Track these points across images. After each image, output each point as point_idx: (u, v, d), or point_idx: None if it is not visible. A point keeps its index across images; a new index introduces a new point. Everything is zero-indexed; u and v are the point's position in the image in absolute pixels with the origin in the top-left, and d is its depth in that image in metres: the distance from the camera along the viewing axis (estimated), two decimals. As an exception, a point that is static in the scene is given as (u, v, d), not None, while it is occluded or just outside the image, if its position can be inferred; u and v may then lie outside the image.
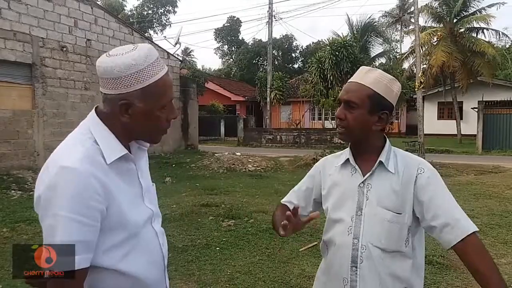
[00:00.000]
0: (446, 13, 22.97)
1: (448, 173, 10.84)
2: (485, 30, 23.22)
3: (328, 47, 22.59)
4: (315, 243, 5.07)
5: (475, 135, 19.09)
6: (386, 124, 1.49)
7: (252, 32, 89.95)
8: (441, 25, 23.36)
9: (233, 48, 44.11)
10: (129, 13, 36.43)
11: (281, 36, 41.25)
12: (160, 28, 37.62)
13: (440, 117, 28.38)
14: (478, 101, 18.93)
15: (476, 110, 18.97)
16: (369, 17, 25.96)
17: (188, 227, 5.70)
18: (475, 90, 22.85)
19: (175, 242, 5.00)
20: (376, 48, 27.02)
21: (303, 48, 42.94)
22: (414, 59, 20.33)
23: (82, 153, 1.12)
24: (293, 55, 43.35)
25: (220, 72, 44.63)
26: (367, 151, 1.50)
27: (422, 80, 15.46)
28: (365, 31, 25.10)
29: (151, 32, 36.96)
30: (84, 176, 1.08)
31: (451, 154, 17.02)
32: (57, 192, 1.06)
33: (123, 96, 1.15)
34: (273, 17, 26.95)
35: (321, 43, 32.65)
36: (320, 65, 22.13)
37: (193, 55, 44.25)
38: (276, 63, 37.75)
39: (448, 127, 25.80)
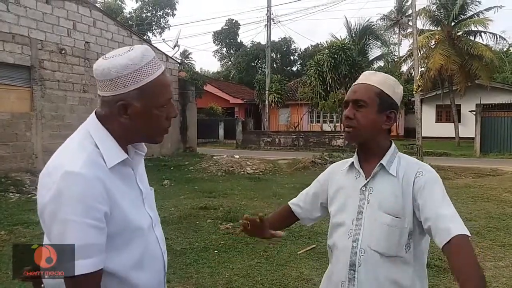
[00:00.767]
0: (444, 16, 23.07)
1: (446, 176, 10.86)
2: (482, 34, 23.34)
3: (326, 50, 22.64)
4: (313, 246, 5.07)
5: (473, 138, 19.14)
6: (394, 123, 1.51)
7: (250, 35, 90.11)
8: (439, 28, 23.44)
9: (232, 51, 44.18)
10: (128, 15, 36.47)
11: (280, 39, 41.35)
12: (159, 30, 37.70)
13: (438, 120, 28.43)
14: (476, 104, 18.99)
15: (474, 113, 19.03)
16: (367, 20, 26.10)
17: (186, 230, 5.69)
18: (473, 93, 22.91)
19: (173, 245, 5.00)
20: (374, 51, 27.15)
21: (302, 51, 43.02)
22: (412, 62, 20.44)
23: (85, 157, 1.12)
24: (292, 58, 43.41)
25: (218, 75, 44.66)
26: (373, 154, 1.50)
27: (420, 83, 15.52)
28: (363, 34, 25.18)
29: (150, 34, 37.03)
30: (89, 180, 1.08)
31: (449, 157, 17.04)
32: (64, 197, 1.06)
33: (121, 96, 1.16)
34: (271, 20, 27.00)
35: (319, 46, 32.75)
36: (319, 68, 22.18)
37: (191, 58, 44.26)
38: (274, 65, 37.78)
39: (446, 130, 25.85)
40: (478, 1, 23.15)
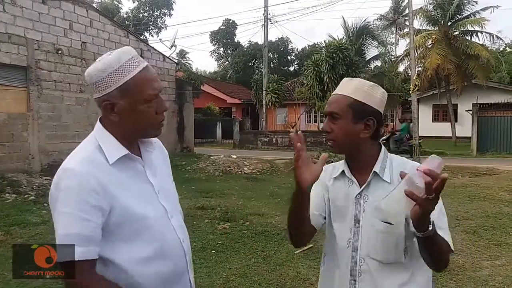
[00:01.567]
0: (440, 16, 23.11)
1: (443, 175, 10.87)
2: (479, 33, 23.39)
3: (323, 50, 22.66)
4: (311, 245, 5.07)
5: (469, 137, 19.19)
6: (375, 131, 1.46)
7: (248, 35, 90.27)
8: (436, 28, 23.49)
9: (229, 51, 44.16)
10: (125, 15, 36.38)
11: (277, 39, 41.35)
12: (156, 30, 37.63)
13: (435, 119, 28.49)
14: (473, 104, 19.04)
15: (471, 112, 19.08)
16: (364, 20, 26.09)
17: (183, 230, 5.69)
18: (470, 93, 22.97)
19: (171, 245, 4.99)
20: (371, 51, 27.15)
21: (299, 51, 43.06)
22: (409, 62, 20.45)
23: (83, 156, 1.25)
24: (289, 58, 43.41)
25: (215, 75, 44.63)
26: (362, 161, 1.48)
27: (417, 83, 15.56)
28: (361, 34, 25.20)
29: (147, 34, 36.96)
30: (81, 175, 1.19)
31: (446, 156, 17.06)
32: (60, 191, 1.18)
33: (105, 97, 1.27)
34: (268, 20, 26.99)
35: (316, 46, 32.75)
36: (316, 68, 22.17)
37: (188, 58, 44.27)
38: (272, 65, 37.79)
39: (443, 129, 25.90)
40: (474, 1, 23.21)
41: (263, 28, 26.87)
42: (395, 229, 1.38)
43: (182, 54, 41.10)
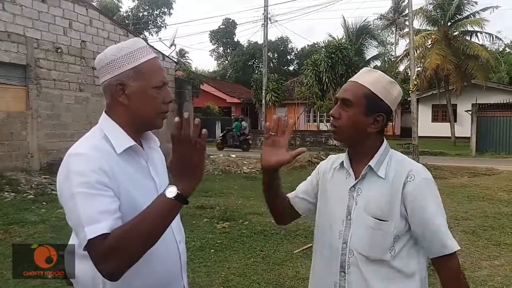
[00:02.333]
0: (440, 16, 23.14)
1: (442, 176, 10.89)
2: (478, 34, 23.46)
3: (323, 50, 22.68)
4: (310, 245, 5.07)
5: (469, 138, 19.22)
6: (382, 127, 1.44)
7: (247, 34, 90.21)
8: (436, 28, 23.52)
9: (229, 50, 44.13)
10: (125, 14, 36.38)
11: (277, 39, 41.38)
12: (156, 29, 37.66)
13: (434, 119, 28.52)
14: (472, 104, 19.07)
15: (470, 112, 19.10)
16: (364, 20, 26.16)
17: (182, 229, 5.68)
18: (469, 93, 23.00)
19: (170, 244, 4.99)
20: (371, 51, 27.24)
21: (298, 50, 43.08)
22: (408, 62, 20.46)
23: (90, 144, 1.24)
24: (289, 57, 43.42)
25: (215, 74, 44.61)
26: (363, 154, 1.45)
27: (416, 83, 15.56)
28: (360, 34, 25.24)
29: (147, 33, 36.94)
30: (90, 157, 1.18)
31: (445, 157, 17.11)
32: (69, 175, 1.15)
33: (117, 77, 1.27)
34: (268, 20, 26.99)
35: (316, 45, 32.77)
36: (316, 68, 22.19)
37: (188, 57, 44.24)
38: (271, 65, 37.79)
39: (442, 129, 25.93)
40: (474, 1, 23.27)
41: (263, 27, 26.89)
42: (386, 226, 1.36)
43: (182, 53, 41.11)
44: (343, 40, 24.02)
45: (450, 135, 23.51)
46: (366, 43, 25.89)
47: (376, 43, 27.92)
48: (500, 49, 34.53)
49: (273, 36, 52.10)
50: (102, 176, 1.15)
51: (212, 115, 29.44)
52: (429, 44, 23.03)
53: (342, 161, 1.51)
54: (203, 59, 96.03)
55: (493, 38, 24.52)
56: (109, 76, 1.27)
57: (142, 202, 1.23)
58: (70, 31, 11.75)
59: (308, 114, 29.69)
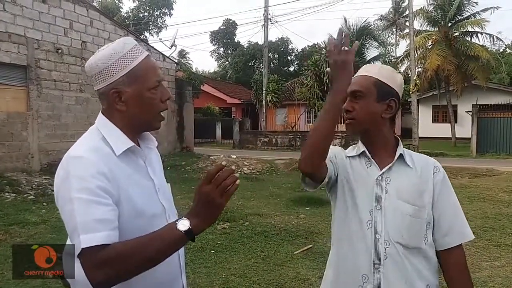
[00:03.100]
0: (440, 17, 23.12)
1: (443, 176, 10.87)
2: (479, 34, 23.41)
3: (323, 50, 22.66)
4: (310, 246, 5.07)
5: (469, 138, 19.20)
6: (395, 112, 1.49)
7: (248, 35, 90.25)
8: (436, 29, 23.50)
9: (229, 51, 44.13)
10: (125, 15, 36.37)
11: (277, 39, 41.31)
12: (156, 30, 37.61)
13: (435, 120, 28.52)
14: (472, 105, 19.05)
15: (471, 113, 19.09)
16: (365, 21, 26.14)
17: (183, 230, 5.68)
18: (470, 94, 22.99)
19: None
20: (372, 52, 27.21)
21: (299, 51, 43.03)
22: (409, 63, 20.47)
23: (90, 145, 1.22)
24: (289, 58, 43.40)
25: (215, 75, 44.61)
26: (380, 144, 1.49)
27: (416, 84, 15.56)
28: (361, 35, 25.20)
29: (147, 34, 36.94)
30: (90, 161, 1.15)
31: (446, 157, 17.08)
32: (69, 179, 1.13)
33: (112, 85, 1.24)
34: (269, 20, 26.99)
35: (316, 46, 32.76)
36: (316, 68, 22.18)
37: (188, 58, 44.22)
38: (272, 66, 37.78)
39: (442, 130, 25.92)
40: (474, 2, 23.24)
41: (263, 28, 26.88)
42: (422, 213, 1.41)
43: (182, 54, 41.10)
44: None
45: (450, 136, 23.49)
46: (366, 44, 25.88)
47: (377, 44, 27.92)
48: (501, 50, 34.55)
49: (273, 36, 52.27)
50: (102, 180, 1.14)
51: (213, 116, 29.44)
52: (430, 45, 23.01)
53: (363, 151, 1.50)
54: (204, 60, 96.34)
55: (493, 38, 24.48)
56: (103, 85, 1.25)
57: (141, 202, 1.23)
58: (71, 32, 11.77)
59: (308, 115, 29.67)
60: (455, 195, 1.49)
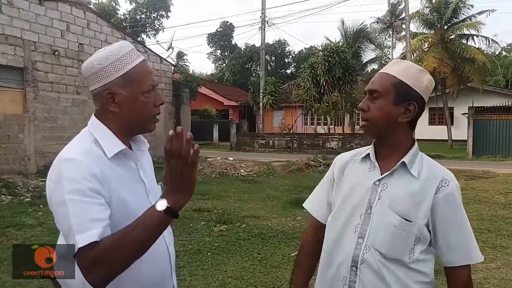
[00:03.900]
0: (437, 19, 23.23)
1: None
2: (475, 37, 23.54)
3: (320, 53, 22.72)
4: (307, 248, 5.07)
5: (465, 141, 19.27)
6: (414, 117, 1.39)
7: (245, 37, 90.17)
8: (432, 31, 23.61)
9: (226, 53, 44.14)
10: (122, 17, 36.33)
11: (274, 42, 41.38)
12: (153, 32, 37.58)
13: (431, 122, 28.60)
14: (469, 107, 19.13)
15: (467, 115, 19.17)
16: (361, 23, 26.19)
17: (179, 232, 5.67)
18: (466, 96, 23.09)
19: (167, 247, 4.98)
20: (368, 54, 27.26)
21: (296, 53, 43.10)
22: (405, 65, 20.49)
23: (81, 148, 1.23)
24: (286, 60, 43.47)
25: (213, 77, 44.59)
26: (392, 149, 1.41)
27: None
28: (358, 37, 25.28)
29: (144, 36, 36.89)
30: (82, 163, 1.16)
31: (442, 159, 17.12)
32: (61, 181, 1.14)
33: (106, 86, 1.25)
34: (266, 23, 27.05)
35: (313, 48, 32.84)
36: (313, 71, 22.21)
37: (186, 60, 44.14)
38: (269, 68, 37.82)
39: (439, 132, 25.99)
40: (470, 5, 23.38)
41: (261, 30, 26.94)
42: (410, 227, 1.33)
43: (180, 56, 41.08)
44: (340, 43, 24.07)
45: (446, 138, 23.57)
46: (363, 46, 25.95)
47: (373, 46, 27.99)
48: (497, 53, 34.72)
49: (270, 39, 52.34)
50: (94, 182, 1.15)
51: (210, 118, 29.44)
52: (426, 47, 23.12)
53: (368, 153, 1.46)
54: (201, 62, 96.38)
55: (489, 41, 24.62)
56: (97, 85, 1.26)
57: (133, 204, 1.23)
58: (68, 34, 11.76)
59: (305, 117, 29.72)
60: (463, 213, 1.39)
